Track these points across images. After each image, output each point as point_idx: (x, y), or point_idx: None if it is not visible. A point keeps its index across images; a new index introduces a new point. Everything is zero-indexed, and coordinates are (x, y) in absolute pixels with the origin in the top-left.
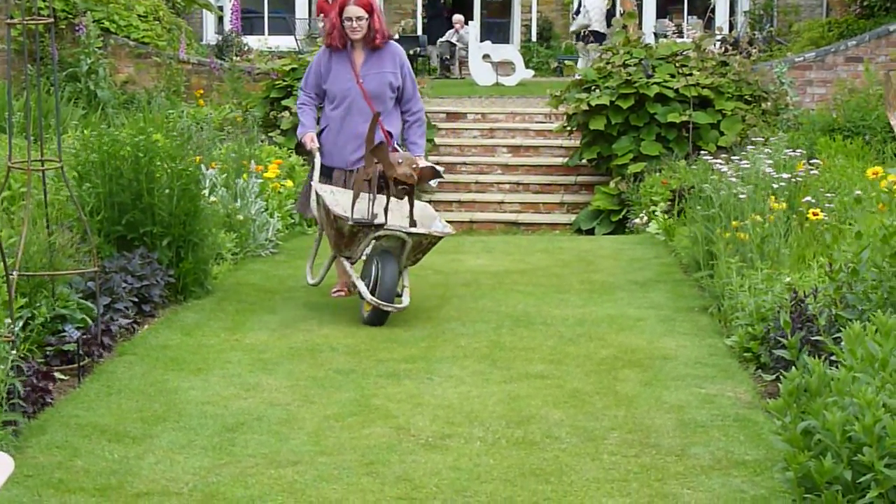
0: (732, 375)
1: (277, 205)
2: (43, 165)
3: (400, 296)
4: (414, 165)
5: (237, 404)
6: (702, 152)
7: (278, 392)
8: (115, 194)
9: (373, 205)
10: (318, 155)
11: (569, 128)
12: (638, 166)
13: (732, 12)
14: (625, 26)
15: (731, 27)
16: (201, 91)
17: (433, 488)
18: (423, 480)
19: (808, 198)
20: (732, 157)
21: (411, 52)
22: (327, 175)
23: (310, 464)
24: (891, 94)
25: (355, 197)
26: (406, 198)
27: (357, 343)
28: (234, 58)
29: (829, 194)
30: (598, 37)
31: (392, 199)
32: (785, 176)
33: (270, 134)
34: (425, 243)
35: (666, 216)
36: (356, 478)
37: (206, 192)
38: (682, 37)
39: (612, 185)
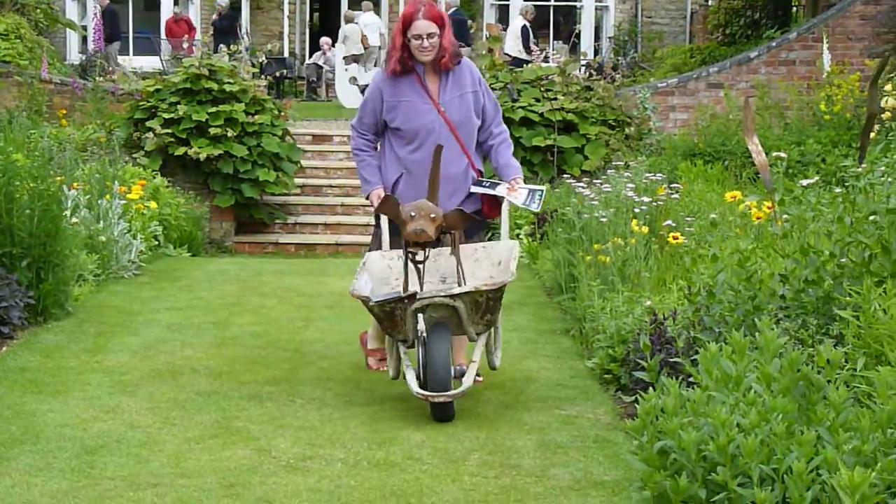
0: (593, 397)
1: (141, 226)
2: None
3: (460, 377)
4: (432, 215)
5: (96, 426)
6: (565, 176)
7: (138, 414)
8: None
9: (405, 271)
10: (384, 222)
11: None
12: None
13: (597, 38)
14: (490, 50)
15: (596, 52)
16: (64, 111)
17: None
18: (283, 502)
19: (669, 221)
20: (595, 181)
21: (278, 73)
22: None
23: (170, 486)
24: (749, 120)
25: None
26: (454, 248)
27: (219, 365)
28: (98, 78)
29: (689, 218)
30: (517, 62)
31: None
32: (646, 200)
33: (134, 155)
34: (483, 300)
35: (530, 239)
36: (216, 500)
37: (67, 212)
38: (548, 61)
39: None
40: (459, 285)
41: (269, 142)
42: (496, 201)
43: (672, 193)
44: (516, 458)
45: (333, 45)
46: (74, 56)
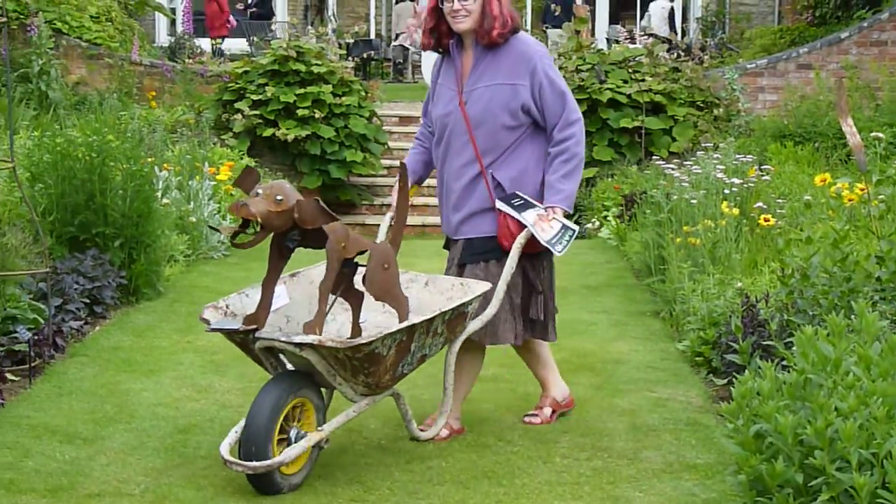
0: (684, 380)
1: (230, 207)
2: None
3: (287, 439)
4: (279, 197)
5: (189, 406)
6: (654, 158)
7: (230, 394)
8: (68, 195)
9: (269, 296)
10: (387, 216)
11: None
12: (590, 172)
13: (685, 19)
14: (577, 31)
15: (684, 33)
16: (153, 93)
17: (386, 490)
18: (375, 482)
19: (760, 203)
20: (684, 163)
21: (365, 55)
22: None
23: None
24: (843, 101)
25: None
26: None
27: None
28: (187, 60)
29: (779, 200)
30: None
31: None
32: (736, 181)
33: (223, 136)
34: (344, 358)
35: (618, 221)
36: (309, 479)
37: (158, 193)
38: (635, 43)
39: None
40: (316, 330)
41: (356, 123)
42: (515, 229)
43: (763, 175)
44: (608, 441)
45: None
46: (163, 38)
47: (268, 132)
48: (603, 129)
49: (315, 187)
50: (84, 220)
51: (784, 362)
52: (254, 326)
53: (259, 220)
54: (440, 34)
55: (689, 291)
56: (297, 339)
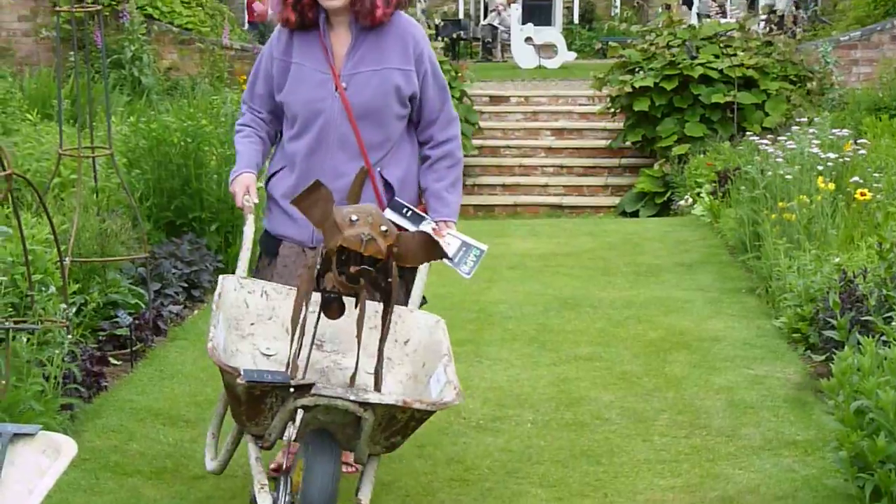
0: (781, 356)
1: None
2: (93, 152)
3: None
4: (384, 228)
5: None
6: (747, 133)
7: None
8: (164, 180)
9: (299, 338)
10: (249, 219)
11: (612, 110)
12: (682, 148)
13: None
14: (668, 6)
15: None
16: (244, 77)
17: (485, 470)
18: (475, 462)
19: (856, 178)
20: (778, 138)
21: (454, 35)
22: (272, 253)
23: None
24: None
25: (297, 314)
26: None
27: None
28: None
29: (876, 174)
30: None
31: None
32: (832, 156)
33: None
34: (404, 418)
35: (711, 198)
36: (409, 460)
37: None
38: (726, 17)
39: (656, 167)
40: (376, 385)
41: None
42: None
43: (858, 149)
44: (706, 419)
45: (508, 6)
46: None
47: None
48: (694, 105)
49: None
50: (180, 205)
51: (884, 338)
52: (311, 382)
53: (381, 258)
54: (303, 7)
55: (784, 268)
56: (375, 399)
